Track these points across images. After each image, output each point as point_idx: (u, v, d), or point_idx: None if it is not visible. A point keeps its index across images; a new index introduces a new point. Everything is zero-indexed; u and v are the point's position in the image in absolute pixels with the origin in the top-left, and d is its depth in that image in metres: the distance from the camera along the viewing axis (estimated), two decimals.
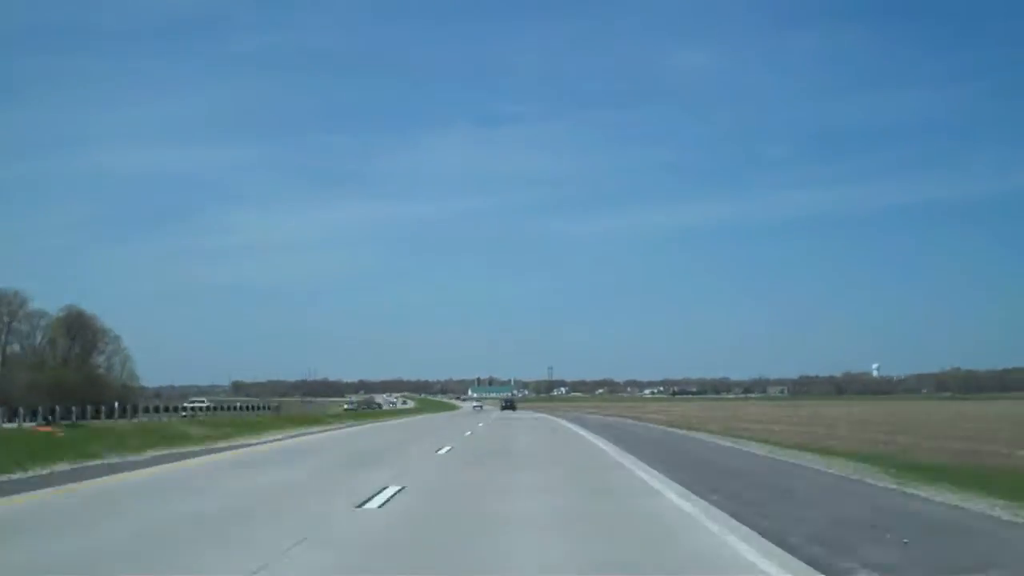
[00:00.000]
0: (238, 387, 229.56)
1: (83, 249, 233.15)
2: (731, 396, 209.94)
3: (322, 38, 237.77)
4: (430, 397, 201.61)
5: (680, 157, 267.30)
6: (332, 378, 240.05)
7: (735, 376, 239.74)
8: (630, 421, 44.48)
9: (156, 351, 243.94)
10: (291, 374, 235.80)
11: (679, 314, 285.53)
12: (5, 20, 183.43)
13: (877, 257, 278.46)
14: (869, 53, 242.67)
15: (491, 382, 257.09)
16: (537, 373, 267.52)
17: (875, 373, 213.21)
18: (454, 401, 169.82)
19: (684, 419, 42.39)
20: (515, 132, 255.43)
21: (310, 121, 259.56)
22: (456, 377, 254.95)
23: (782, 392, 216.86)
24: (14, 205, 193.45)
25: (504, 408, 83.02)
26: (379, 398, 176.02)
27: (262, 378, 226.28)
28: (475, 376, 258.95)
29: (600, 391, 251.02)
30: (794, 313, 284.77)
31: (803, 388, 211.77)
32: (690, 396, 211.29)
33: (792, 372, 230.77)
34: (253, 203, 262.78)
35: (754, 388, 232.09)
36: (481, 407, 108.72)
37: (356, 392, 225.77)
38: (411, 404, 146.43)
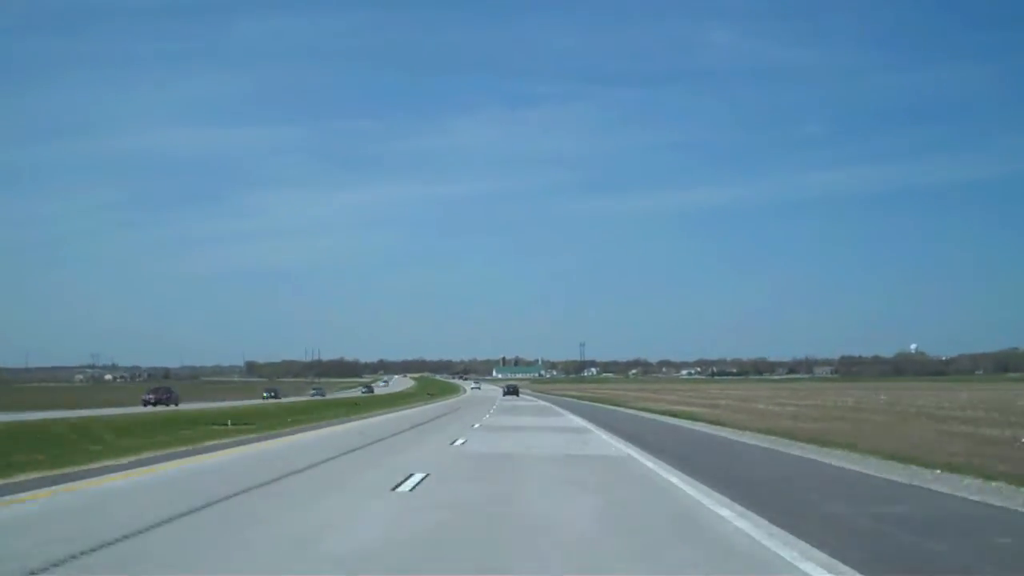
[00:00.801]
0: (251, 367, 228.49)
1: (106, 231, 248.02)
2: (776, 377, 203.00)
3: (352, 22, 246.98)
4: (439, 378, 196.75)
5: (712, 136, 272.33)
6: (349, 358, 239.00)
7: (776, 356, 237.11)
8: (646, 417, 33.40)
9: (167, 332, 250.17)
10: (305, 354, 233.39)
11: (714, 294, 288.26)
12: (40, 3, 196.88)
13: (926, 234, 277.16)
14: (904, 31, 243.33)
15: (517, 362, 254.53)
16: (567, 353, 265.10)
17: (913, 352, 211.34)
18: (460, 382, 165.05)
19: (718, 412, 33.53)
20: (544, 113, 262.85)
21: (338, 104, 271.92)
22: (480, 357, 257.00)
23: (829, 373, 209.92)
24: (45, 188, 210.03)
25: (507, 394, 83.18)
26: (389, 379, 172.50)
27: (276, 358, 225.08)
28: (500, 356, 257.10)
29: (633, 372, 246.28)
30: (837, 292, 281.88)
31: (851, 368, 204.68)
32: (729, 377, 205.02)
33: (834, 352, 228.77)
34: (281, 186, 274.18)
35: (798, 368, 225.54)
36: (479, 387, 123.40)
37: (375, 372, 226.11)
38: (410, 384, 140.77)
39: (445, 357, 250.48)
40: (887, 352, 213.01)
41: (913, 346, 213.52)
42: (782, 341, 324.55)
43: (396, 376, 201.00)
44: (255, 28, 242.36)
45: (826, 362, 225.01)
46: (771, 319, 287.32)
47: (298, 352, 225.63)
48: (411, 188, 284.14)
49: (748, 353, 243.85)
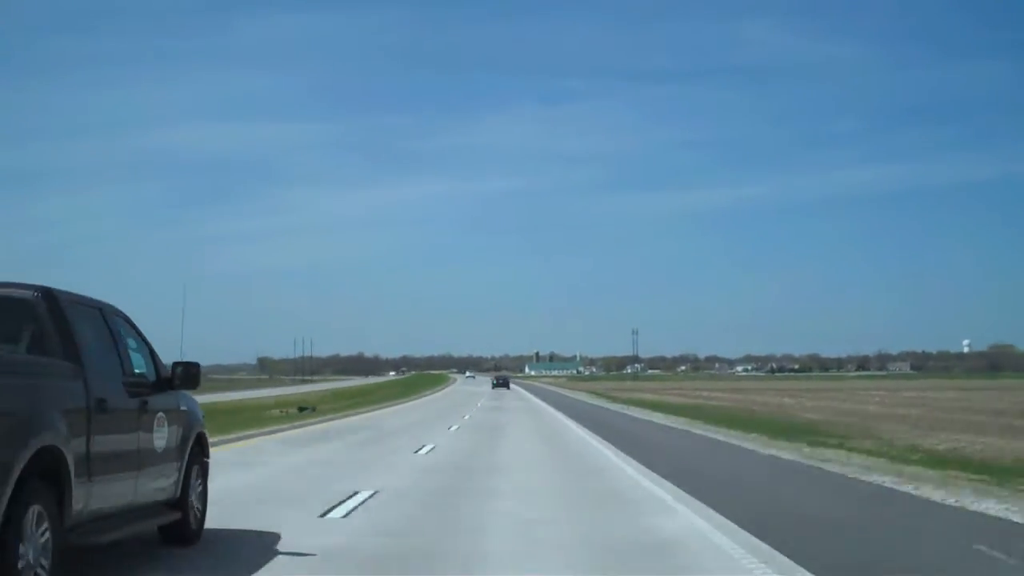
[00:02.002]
0: (264, 364, 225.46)
1: (136, 229, 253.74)
2: (850, 375, 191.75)
3: (385, 19, 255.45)
4: (433, 373, 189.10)
5: (748, 132, 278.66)
6: (369, 354, 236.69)
7: (828, 351, 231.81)
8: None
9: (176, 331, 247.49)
10: (327, 351, 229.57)
11: (760, 288, 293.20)
12: (65, 2, 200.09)
13: (995, 227, 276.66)
14: (941, 25, 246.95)
15: (552, 358, 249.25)
16: (605, 349, 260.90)
17: (966, 349, 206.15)
18: (456, 375, 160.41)
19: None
20: (576, 110, 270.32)
21: (371, 101, 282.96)
22: (512, 353, 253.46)
23: (902, 369, 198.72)
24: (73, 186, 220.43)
25: (496, 386, 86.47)
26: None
27: (293, 355, 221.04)
28: (534, 351, 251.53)
29: (682, 368, 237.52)
30: (911, 285, 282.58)
31: (926, 364, 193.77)
32: (791, 374, 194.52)
33: (891, 347, 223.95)
34: (313, 183, 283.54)
35: (870, 364, 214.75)
36: (474, 377, 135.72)
37: (397, 369, 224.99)
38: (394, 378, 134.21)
39: (475, 353, 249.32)
40: (951, 348, 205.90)
41: (965, 343, 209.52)
42: (833, 336, 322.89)
43: (392, 373, 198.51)
44: (289, 25, 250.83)
45: (900, 357, 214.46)
46: (831, 314, 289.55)
47: (317, 349, 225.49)
48: (443, 185, 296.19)
49: (798, 348, 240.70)
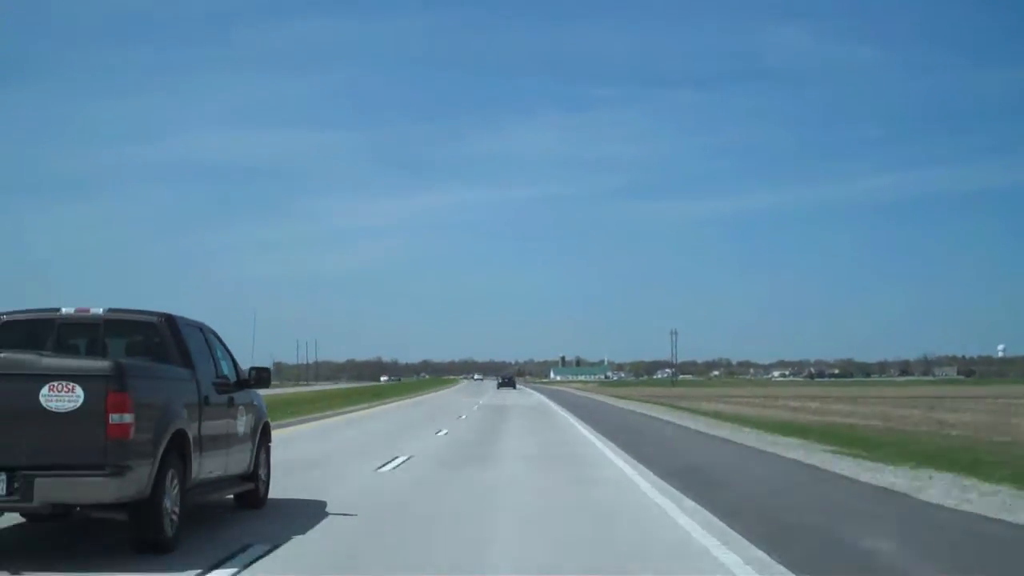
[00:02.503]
0: (280, 369, 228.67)
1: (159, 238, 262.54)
2: (899, 379, 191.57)
3: (407, 26, 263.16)
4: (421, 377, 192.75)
5: (774, 137, 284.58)
6: (388, 358, 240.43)
7: (864, 357, 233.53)
8: None
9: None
10: (345, 356, 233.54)
11: (791, 292, 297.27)
12: (93, 11, 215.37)
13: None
14: (972, 29, 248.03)
15: (578, 363, 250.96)
16: (632, 354, 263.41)
17: (1000, 354, 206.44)
18: (463, 378, 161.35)
19: None
20: (601, 116, 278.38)
21: (394, 108, 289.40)
22: (537, 358, 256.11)
23: (949, 374, 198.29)
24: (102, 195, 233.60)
25: (501, 386, 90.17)
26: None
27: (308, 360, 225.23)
28: (559, 355, 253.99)
29: (715, 373, 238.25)
30: (941, 290, 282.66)
31: (972, 369, 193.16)
32: (832, 380, 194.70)
33: (927, 351, 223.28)
34: (336, 191, 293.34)
35: (913, 369, 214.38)
36: (481, 379, 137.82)
37: (418, 374, 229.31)
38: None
39: (498, 358, 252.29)
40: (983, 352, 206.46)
41: (1000, 347, 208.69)
42: (860, 340, 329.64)
43: (384, 377, 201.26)
44: (311, 33, 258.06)
45: (944, 361, 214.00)
46: (848, 318, 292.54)
47: (336, 353, 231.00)
48: (467, 192, 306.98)
49: (827, 353, 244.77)
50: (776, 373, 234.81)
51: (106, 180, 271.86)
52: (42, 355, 6.64)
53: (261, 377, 9.11)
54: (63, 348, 7.57)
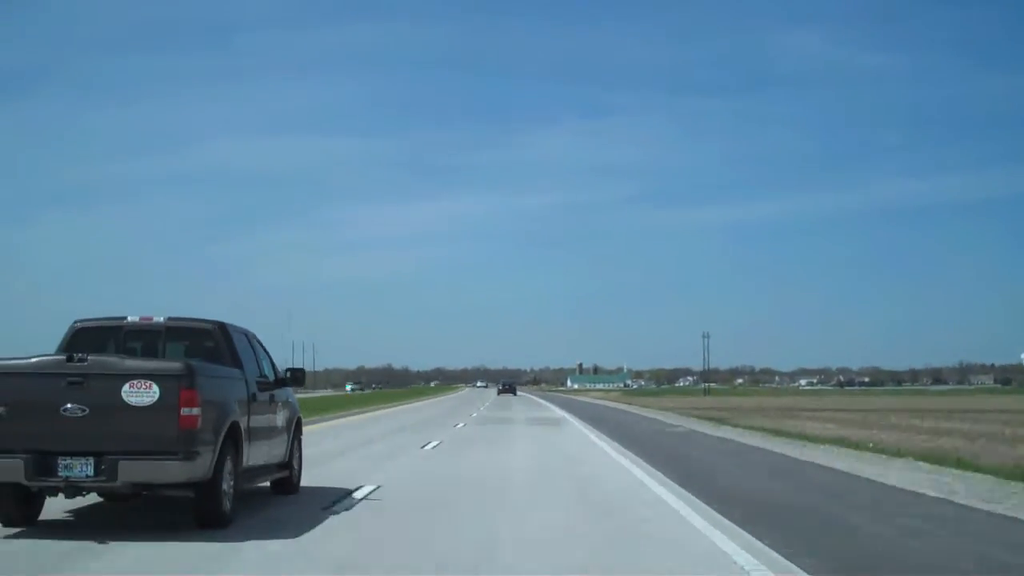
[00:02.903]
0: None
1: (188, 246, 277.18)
2: (938, 389, 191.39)
3: (429, 33, 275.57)
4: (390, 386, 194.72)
5: (794, 145, 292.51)
6: (398, 366, 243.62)
7: (890, 365, 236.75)
8: None
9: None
10: (355, 363, 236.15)
11: (811, 300, 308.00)
12: (117, 19, 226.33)
13: None
14: (992, 34, 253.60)
15: (596, 370, 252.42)
16: (651, 362, 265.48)
17: None
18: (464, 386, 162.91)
19: None
20: (620, 123, 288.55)
21: (418, 116, 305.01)
22: (554, 366, 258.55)
23: (985, 383, 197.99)
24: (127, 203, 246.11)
25: (502, 392, 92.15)
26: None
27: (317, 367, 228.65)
28: (577, 363, 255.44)
29: (740, 381, 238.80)
30: (963, 297, 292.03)
31: (1007, 377, 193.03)
32: (862, 389, 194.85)
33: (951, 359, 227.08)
34: (360, 198, 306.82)
35: (947, 377, 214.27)
36: (485, 387, 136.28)
37: (430, 381, 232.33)
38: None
39: (512, 365, 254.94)
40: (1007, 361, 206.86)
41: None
42: (892, 348, 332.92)
43: (349, 385, 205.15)
44: (336, 41, 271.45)
45: (980, 369, 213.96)
46: (868, 326, 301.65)
47: (345, 361, 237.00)
48: (485, 199, 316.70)
49: (854, 361, 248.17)
50: (803, 381, 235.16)
51: (130, 189, 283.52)
52: (124, 358, 8.19)
53: (296, 377, 10.67)
54: (129, 351, 9.10)
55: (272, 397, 10.05)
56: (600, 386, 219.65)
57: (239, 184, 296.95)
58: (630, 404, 59.42)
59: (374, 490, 11.31)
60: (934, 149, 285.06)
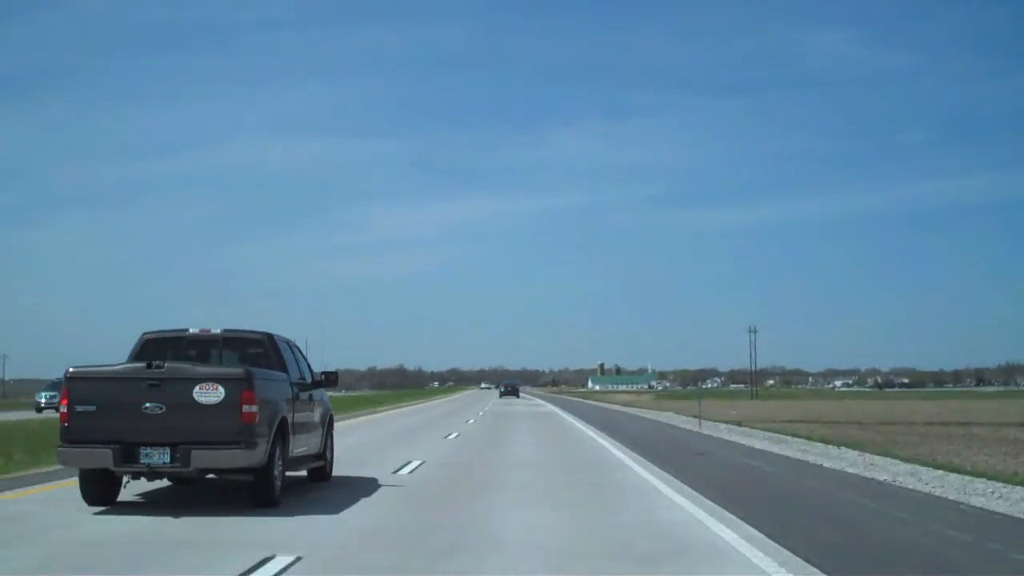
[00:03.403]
0: None
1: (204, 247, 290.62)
2: (984, 391, 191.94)
3: (450, 33, 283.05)
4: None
5: (817, 144, 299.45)
6: (411, 366, 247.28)
7: (924, 366, 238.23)
8: None
9: None
10: (368, 363, 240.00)
11: (838, 300, 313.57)
12: (134, 21, 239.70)
13: None
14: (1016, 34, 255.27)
15: (618, 371, 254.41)
16: (675, 363, 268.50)
17: None
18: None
19: None
20: (643, 123, 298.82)
21: (437, 116, 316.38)
22: (573, 366, 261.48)
23: None
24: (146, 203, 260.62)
25: (504, 394, 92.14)
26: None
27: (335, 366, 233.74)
28: (598, 363, 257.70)
29: (771, 382, 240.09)
30: (995, 296, 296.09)
31: None
32: (903, 391, 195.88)
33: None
34: (377, 199, 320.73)
35: (992, 378, 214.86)
36: (490, 388, 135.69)
37: (445, 383, 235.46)
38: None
39: (531, 366, 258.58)
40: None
41: None
42: (922, 348, 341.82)
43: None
44: (353, 41, 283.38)
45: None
46: (898, 325, 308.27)
47: (358, 361, 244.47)
48: (508, 200, 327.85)
49: (885, 362, 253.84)
50: (837, 383, 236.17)
51: (149, 189, 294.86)
52: (195, 364, 10.43)
53: (329, 379, 12.92)
54: (188, 358, 11.33)
55: (311, 397, 12.30)
56: (623, 387, 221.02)
57: (254, 185, 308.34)
58: (679, 413, 43.27)
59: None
60: (965, 147, 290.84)
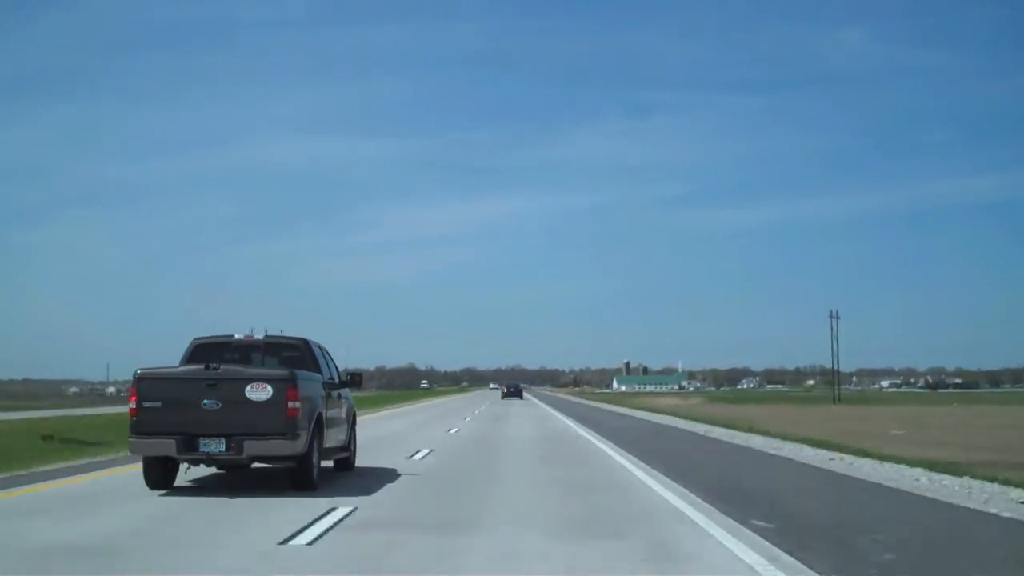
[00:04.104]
0: None
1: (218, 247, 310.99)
2: None
3: (468, 32, 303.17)
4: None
5: (839, 143, 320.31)
6: (422, 366, 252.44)
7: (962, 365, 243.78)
8: None
9: None
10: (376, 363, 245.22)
11: (875, 299, 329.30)
12: (148, 19, 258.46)
13: None
14: None
15: (645, 370, 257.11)
16: (708, 361, 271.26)
17: None
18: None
19: None
20: (663, 122, 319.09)
21: (454, 115, 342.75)
22: (595, 365, 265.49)
23: None
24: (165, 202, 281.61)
25: (506, 395, 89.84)
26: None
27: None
28: (623, 361, 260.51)
29: (811, 382, 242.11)
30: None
31: None
32: (956, 393, 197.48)
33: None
34: (395, 198, 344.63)
35: None
36: (496, 388, 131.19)
37: (459, 383, 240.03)
38: None
39: (550, 365, 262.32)
40: None
41: None
42: (968, 347, 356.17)
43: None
44: (370, 39, 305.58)
45: None
46: (935, 325, 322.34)
47: (371, 361, 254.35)
48: (525, 199, 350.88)
49: (925, 361, 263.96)
50: (885, 383, 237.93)
51: (165, 188, 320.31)
52: (246, 367, 13.28)
53: (354, 380, 15.81)
54: (232, 361, 14.15)
55: (339, 395, 15.18)
56: (651, 388, 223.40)
57: (268, 184, 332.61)
58: (806, 444, 24.96)
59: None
60: (1011, 143, 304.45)
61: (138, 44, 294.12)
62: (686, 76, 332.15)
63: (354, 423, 16.55)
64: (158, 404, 12.91)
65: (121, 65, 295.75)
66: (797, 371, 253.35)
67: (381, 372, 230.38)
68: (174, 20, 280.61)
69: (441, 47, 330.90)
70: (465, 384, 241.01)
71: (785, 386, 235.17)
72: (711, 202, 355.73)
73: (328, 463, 15.39)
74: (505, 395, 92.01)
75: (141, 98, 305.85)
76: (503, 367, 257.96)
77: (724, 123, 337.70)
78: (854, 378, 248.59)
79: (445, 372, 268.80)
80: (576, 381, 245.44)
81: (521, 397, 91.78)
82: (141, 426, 12.94)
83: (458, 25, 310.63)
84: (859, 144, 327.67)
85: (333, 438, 14.77)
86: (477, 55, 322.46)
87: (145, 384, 13.03)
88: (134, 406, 12.99)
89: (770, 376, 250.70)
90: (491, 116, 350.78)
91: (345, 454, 15.99)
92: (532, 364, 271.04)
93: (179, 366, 13.71)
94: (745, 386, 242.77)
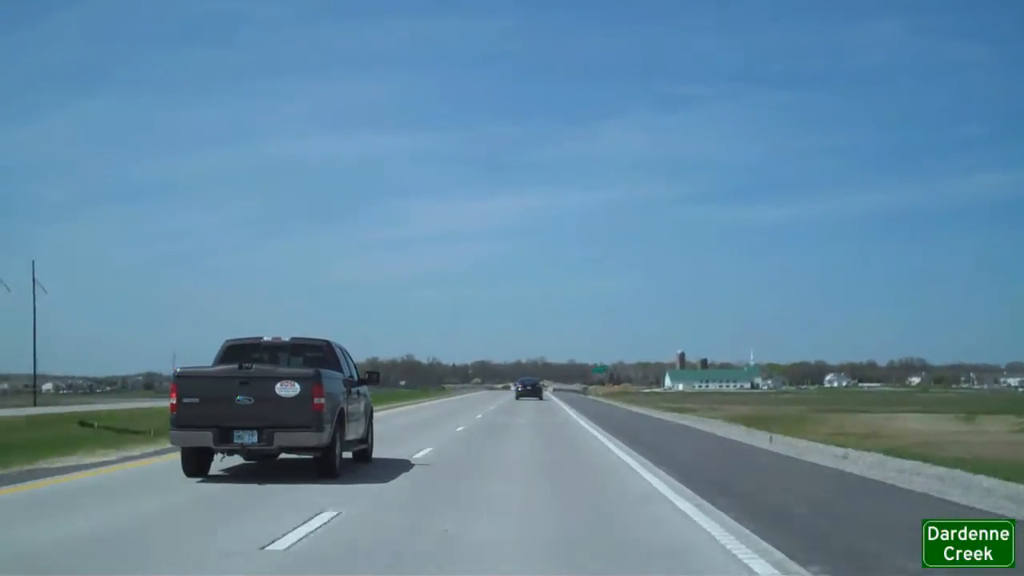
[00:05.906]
0: None
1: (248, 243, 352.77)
2: None
3: (495, 26, 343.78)
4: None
5: (872, 138, 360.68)
6: (429, 360, 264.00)
7: None
8: None
9: None
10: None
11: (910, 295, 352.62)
12: (175, 15, 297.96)
13: None
14: None
15: (704, 364, 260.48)
16: (776, 355, 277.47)
17: None
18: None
19: None
20: (694, 117, 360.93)
21: (482, 110, 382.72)
22: (642, 359, 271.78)
23: None
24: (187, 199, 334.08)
25: (521, 395, 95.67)
26: None
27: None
28: (677, 352, 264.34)
29: (914, 379, 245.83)
30: None
31: None
32: None
33: None
34: (422, 194, 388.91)
35: None
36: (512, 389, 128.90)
37: (471, 380, 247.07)
38: None
39: (579, 359, 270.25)
40: None
41: None
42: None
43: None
44: (398, 34, 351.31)
45: None
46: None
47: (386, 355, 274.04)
48: (556, 194, 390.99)
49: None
50: (1014, 381, 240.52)
51: (189, 184, 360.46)
52: (276, 366, 18.57)
53: (372, 378, 21.18)
54: (261, 360, 19.34)
55: (358, 392, 20.54)
56: (714, 385, 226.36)
57: (293, 180, 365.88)
58: None
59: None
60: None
61: (164, 39, 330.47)
62: (718, 70, 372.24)
63: (371, 418, 21.82)
64: (196, 400, 18.12)
65: (151, 60, 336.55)
66: (886, 368, 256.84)
67: (395, 365, 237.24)
68: (203, 15, 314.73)
69: (470, 42, 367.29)
70: (478, 380, 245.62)
71: (883, 384, 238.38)
72: (746, 197, 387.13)
73: (347, 454, 20.57)
74: (520, 394, 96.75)
75: (168, 92, 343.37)
76: (524, 360, 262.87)
77: (756, 117, 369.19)
78: (972, 374, 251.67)
79: (453, 366, 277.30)
80: (615, 378, 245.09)
81: (540, 398, 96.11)
82: (180, 420, 18.14)
83: (488, 20, 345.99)
84: (895, 138, 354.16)
85: (353, 431, 20.03)
86: (506, 50, 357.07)
87: (184, 382, 18.33)
88: (174, 402, 18.26)
89: (853, 371, 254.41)
90: (519, 111, 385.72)
91: (363, 446, 21.36)
92: (558, 358, 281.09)
93: (212, 366, 18.97)
94: (834, 384, 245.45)
